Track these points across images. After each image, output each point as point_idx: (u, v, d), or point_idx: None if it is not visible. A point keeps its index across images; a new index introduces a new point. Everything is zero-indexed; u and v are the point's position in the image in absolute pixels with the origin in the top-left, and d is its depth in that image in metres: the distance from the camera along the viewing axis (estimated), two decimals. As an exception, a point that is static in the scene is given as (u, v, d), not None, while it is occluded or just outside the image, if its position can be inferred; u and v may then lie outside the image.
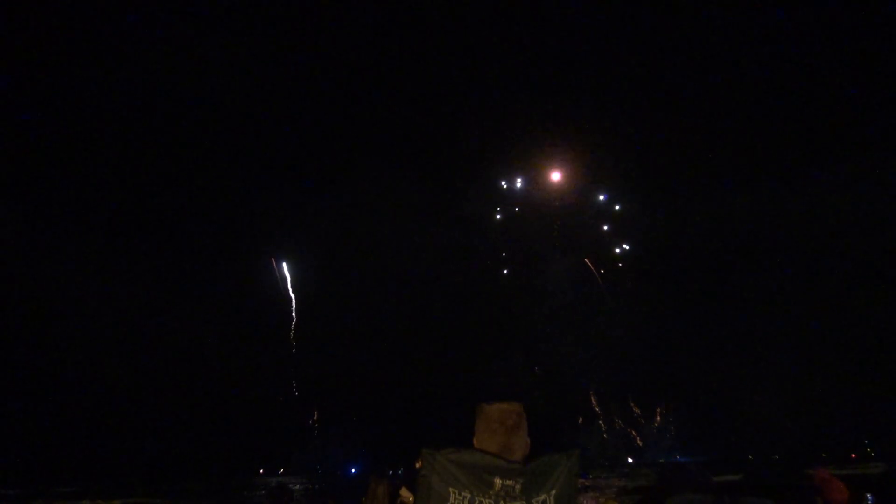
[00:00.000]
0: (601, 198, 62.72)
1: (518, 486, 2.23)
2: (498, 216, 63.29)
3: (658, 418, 61.41)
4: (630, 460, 61.79)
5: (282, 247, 63.75)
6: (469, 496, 2.23)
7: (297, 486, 41.34)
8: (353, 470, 59.77)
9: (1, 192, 56.63)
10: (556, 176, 61.98)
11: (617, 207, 62.72)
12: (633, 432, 62.00)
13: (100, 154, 62.76)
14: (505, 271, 63.83)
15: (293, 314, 63.81)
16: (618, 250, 62.83)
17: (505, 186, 62.94)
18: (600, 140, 61.95)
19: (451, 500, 2.23)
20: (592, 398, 62.54)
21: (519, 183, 62.56)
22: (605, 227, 62.53)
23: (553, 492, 2.27)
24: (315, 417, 61.94)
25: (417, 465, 2.31)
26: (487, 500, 2.22)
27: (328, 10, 64.33)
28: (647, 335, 60.42)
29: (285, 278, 63.81)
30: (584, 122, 62.34)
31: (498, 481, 2.23)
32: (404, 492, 4.34)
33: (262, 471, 64.53)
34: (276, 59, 65.78)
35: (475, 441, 2.44)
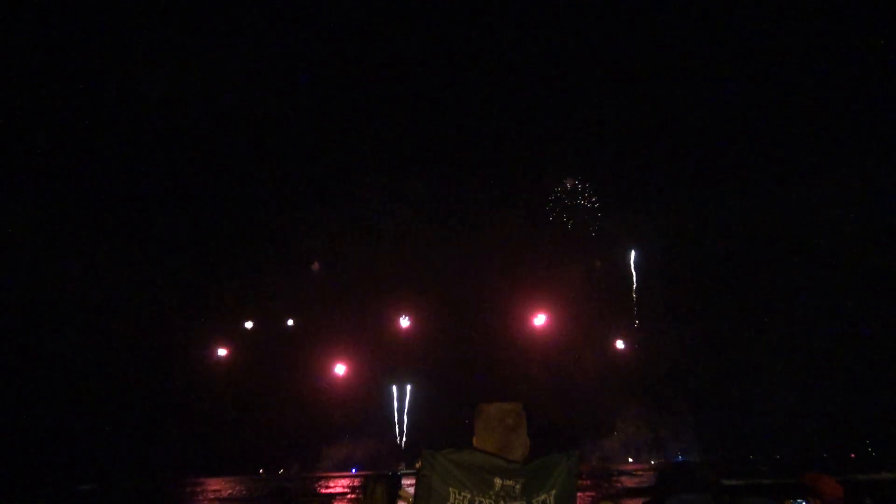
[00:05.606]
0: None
1: (518, 486, 2.22)
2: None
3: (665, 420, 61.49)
4: (630, 460, 61.83)
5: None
6: (469, 496, 2.21)
7: (297, 487, 41.43)
8: (354, 469, 59.83)
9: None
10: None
11: None
12: (639, 433, 62.08)
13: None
14: None
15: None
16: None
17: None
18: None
19: (451, 500, 2.21)
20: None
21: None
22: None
23: (553, 492, 2.25)
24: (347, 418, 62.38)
25: (417, 466, 2.29)
26: (487, 500, 2.20)
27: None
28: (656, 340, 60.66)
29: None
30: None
31: (498, 481, 2.21)
32: (403, 492, 4.33)
33: (261, 471, 64.61)
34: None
35: (475, 441, 2.42)
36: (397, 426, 62.69)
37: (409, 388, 63.67)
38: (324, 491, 43.07)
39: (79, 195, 61.94)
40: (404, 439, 62.51)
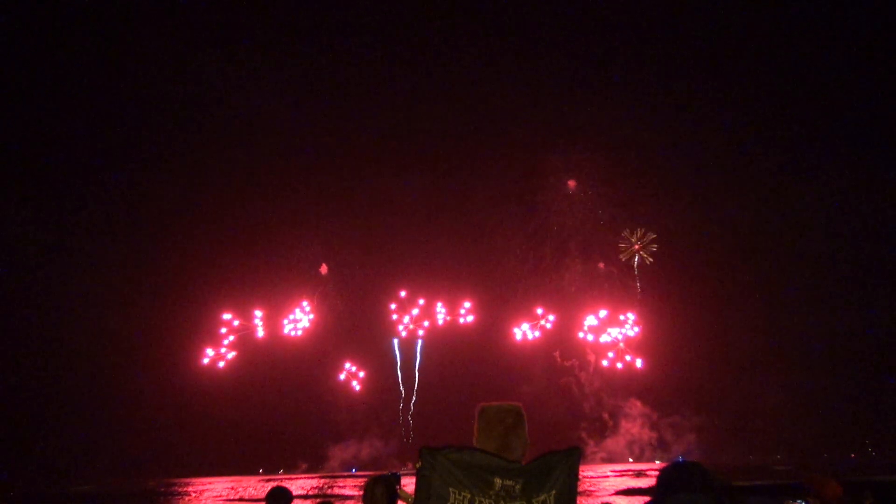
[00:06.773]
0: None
1: (518, 486, 2.21)
2: None
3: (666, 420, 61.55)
4: (630, 460, 61.81)
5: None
6: (469, 496, 2.20)
7: (298, 487, 41.40)
8: (354, 469, 59.79)
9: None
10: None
11: None
12: (641, 434, 62.13)
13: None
14: None
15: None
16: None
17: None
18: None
19: (451, 499, 2.20)
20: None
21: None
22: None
23: (553, 492, 2.24)
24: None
25: (417, 465, 2.28)
26: (487, 500, 2.19)
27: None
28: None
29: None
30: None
31: (498, 481, 2.20)
32: (403, 492, 4.32)
33: (261, 470, 64.63)
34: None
35: (475, 441, 2.42)
36: (402, 427, 62.70)
37: (415, 387, 63.80)
38: (330, 491, 42.96)
39: (80, 195, 62.07)
40: (411, 439, 62.48)
